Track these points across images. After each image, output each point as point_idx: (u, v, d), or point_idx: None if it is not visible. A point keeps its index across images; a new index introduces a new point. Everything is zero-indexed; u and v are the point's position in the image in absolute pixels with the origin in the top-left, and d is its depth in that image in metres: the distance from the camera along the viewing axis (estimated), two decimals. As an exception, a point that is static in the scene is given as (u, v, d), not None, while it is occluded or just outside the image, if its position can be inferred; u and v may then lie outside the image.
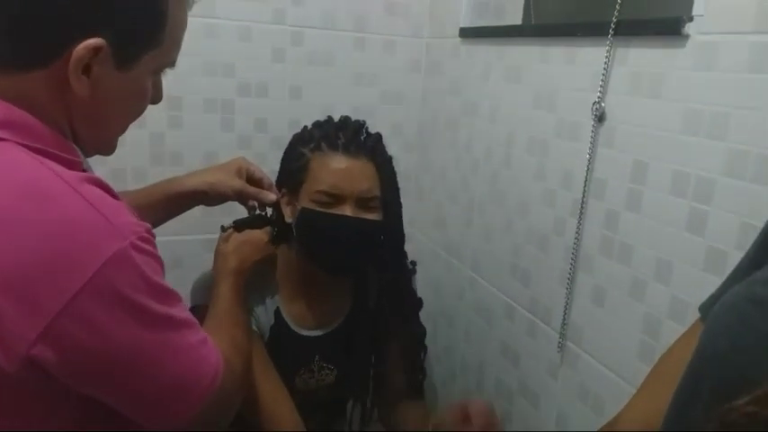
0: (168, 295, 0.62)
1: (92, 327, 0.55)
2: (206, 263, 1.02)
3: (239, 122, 1.36)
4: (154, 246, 0.61)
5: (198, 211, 1.13)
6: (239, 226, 0.99)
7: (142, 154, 1.31)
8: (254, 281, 0.98)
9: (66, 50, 0.57)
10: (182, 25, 0.67)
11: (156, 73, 0.69)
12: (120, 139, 1.28)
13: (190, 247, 1.38)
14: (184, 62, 1.28)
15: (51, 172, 0.56)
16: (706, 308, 0.57)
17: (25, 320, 0.53)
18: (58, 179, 0.56)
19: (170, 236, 1.35)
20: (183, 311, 0.65)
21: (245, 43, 1.32)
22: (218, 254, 0.97)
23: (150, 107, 1.28)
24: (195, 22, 1.27)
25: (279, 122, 1.37)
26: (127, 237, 0.56)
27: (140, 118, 1.26)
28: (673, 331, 0.78)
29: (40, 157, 0.57)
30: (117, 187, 1.27)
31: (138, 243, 0.57)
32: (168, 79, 1.26)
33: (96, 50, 0.58)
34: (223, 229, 1.00)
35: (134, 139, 1.30)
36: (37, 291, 0.53)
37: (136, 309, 0.58)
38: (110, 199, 0.59)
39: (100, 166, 1.28)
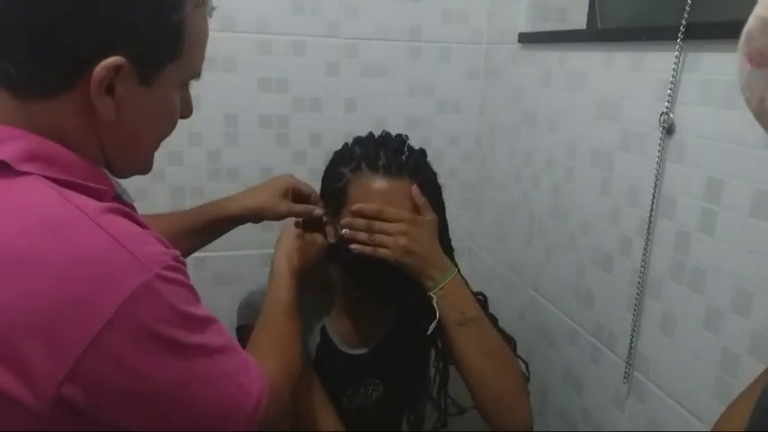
0: (200, 322, 0.60)
1: (119, 364, 0.54)
2: (265, 278, 0.97)
3: (294, 137, 1.36)
4: (183, 273, 0.59)
5: (257, 226, 1.12)
6: (307, 225, 0.96)
7: (200, 171, 1.33)
8: (305, 294, 0.94)
9: (86, 72, 0.56)
10: (202, 34, 0.65)
11: (182, 86, 0.67)
12: (177, 157, 1.32)
13: (249, 261, 1.39)
14: (239, 79, 1.30)
15: (72, 206, 0.55)
16: None
17: (51, 361, 0.52)
18: (79, 212, 0.54)
19: (229, 251, 1.37)
20: (219, 337, 0.62)
21: (299, 57, 1.31)
22: (281, 250, 0.92)
23: (207, 125, 1.31)
24: (249, 38, 1.29)
25: (334, 136, 1.34)
26: (151, 268, 0.54)
27: (197, 136, 1.31)
28: (754, 370, 0.70)
29: (64, 190, 0.56)
30: (175, 205, 1.31)
31: (165, 273, 0.55)
32: (224, 96, 1.29)
33: (117, 69, 0.56)
34: (296, 225, 0.96)
35: (191, 157, 1.32)
36: (60, 330, 0.52)
37: (165, 341, 0.56)
38: (133, 228, 0.57)
39: (159, 183, 1.32)
